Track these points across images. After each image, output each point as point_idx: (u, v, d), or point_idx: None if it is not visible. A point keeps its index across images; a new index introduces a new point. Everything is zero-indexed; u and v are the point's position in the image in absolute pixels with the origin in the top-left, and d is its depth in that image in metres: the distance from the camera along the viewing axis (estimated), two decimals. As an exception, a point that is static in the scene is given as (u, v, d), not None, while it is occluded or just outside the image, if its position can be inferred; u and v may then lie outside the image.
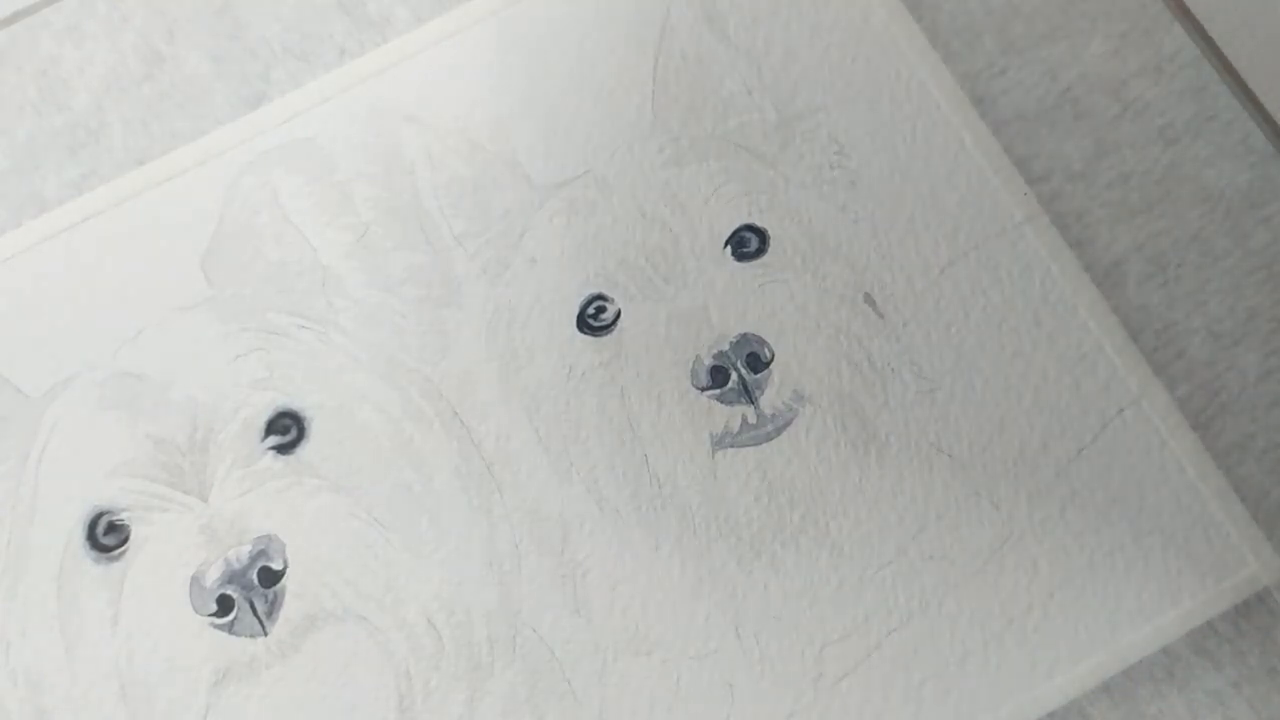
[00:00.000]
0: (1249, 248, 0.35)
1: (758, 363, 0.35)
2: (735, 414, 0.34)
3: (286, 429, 0.35)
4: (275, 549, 0.34)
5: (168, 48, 0.38)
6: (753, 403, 0.34)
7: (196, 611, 0.33)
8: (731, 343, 0.35)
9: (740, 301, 0.35)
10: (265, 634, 0.33)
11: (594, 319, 0.35)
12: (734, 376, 0.35)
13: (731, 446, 0.34)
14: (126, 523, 0.34)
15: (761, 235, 0.36)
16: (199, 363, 0.35)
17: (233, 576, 0.33)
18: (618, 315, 0.35)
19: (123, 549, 0.34)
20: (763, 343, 0.35)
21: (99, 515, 0.34)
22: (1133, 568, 0.33)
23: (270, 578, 0.33)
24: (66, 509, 0.34)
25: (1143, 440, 0.34)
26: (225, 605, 0.33)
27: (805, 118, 0.37)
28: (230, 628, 0.33)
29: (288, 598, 0.33)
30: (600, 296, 0.35)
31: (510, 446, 0.34)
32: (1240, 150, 0.36)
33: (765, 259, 0.36)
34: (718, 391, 0.34)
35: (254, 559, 0.33)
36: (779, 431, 0.34)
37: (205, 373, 0.35)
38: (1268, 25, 0.35)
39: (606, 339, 0.35)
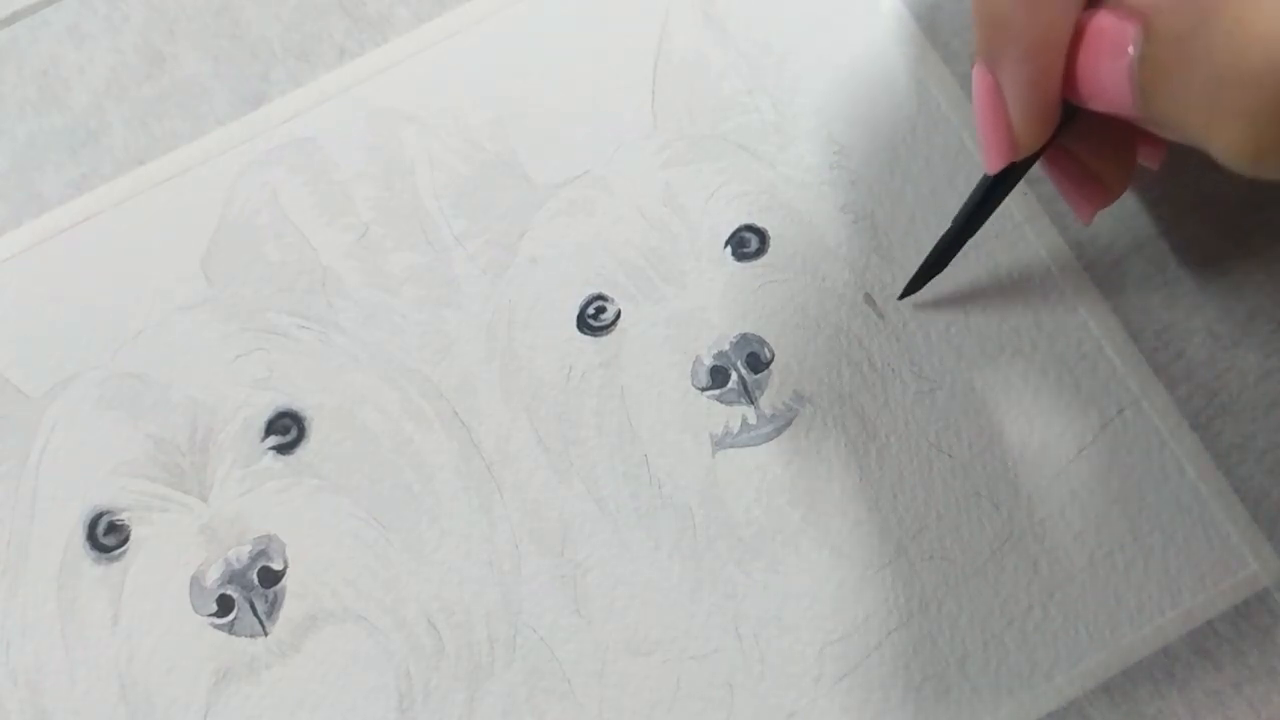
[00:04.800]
0: (1249, 248, 0.35)
1: (758, 363, 0.35)
2: (735, 414, 0.34)
3: (286, 429, 0.35)
4: (275, 549, 0.34)
5: (168, 48, 0.38)
6: (753, 403, 0.34)
7: (196, 611, 0.33)
8: (731, 343, 0.35)
9: (740, 301, 0.35)
10: (265, 634, 0.33)
11: (594, 319, 0.35)
12: (734, 376, 0.35)
13: (731, 446, 0.34)
14: (126, 523, 0.34)
15: (761, 235, 0.36)
16: (199, 363, 0.35)
17: (233, 576, 0.33)
18: (618, 315, 0.35)
19: (123, 549, 0.34)
20: (763, 343, 0.35)
21: (99, 515, 0.34)
22: (1133, 568, 0.33)
23: (270, 578, 0.33)
24: (66, 509, 0.34)
25: (1143, 440, 0.34)
26: (225, 605, 0.33)
27: (805, 118, 0.37)
28: (230, 628, 0.33)
29: (288, 598, 0.33)
30: (600, 296, 0.35)
31: (510, 446, 0.34)
32: (1240, 150, 0.36)
33: (765, 259, 0.36)
34: (718, 391, 0.35)
35: (254, 559, 0.33)
36: (779, 431, 0.34)
37: (205, 373, 0.35)
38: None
39: (606, 339, 0.35)
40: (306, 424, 0.35)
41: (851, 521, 0.34)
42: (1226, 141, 0.24)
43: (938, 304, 0.35)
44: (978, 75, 0.28)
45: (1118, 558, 0.33)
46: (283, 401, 0.35)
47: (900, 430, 0.34)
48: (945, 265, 0.34)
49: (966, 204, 0.32)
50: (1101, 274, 0.35)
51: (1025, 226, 0.35)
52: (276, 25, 0.38)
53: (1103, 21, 0.26)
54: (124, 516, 0.34)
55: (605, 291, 0.35)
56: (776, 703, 0.33)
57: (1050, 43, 0.26)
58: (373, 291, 0.36)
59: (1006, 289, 0.35)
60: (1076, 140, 0.30)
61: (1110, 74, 0.26)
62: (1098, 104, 0.27)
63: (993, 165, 0.29)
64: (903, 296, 0.35)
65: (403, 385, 0.35)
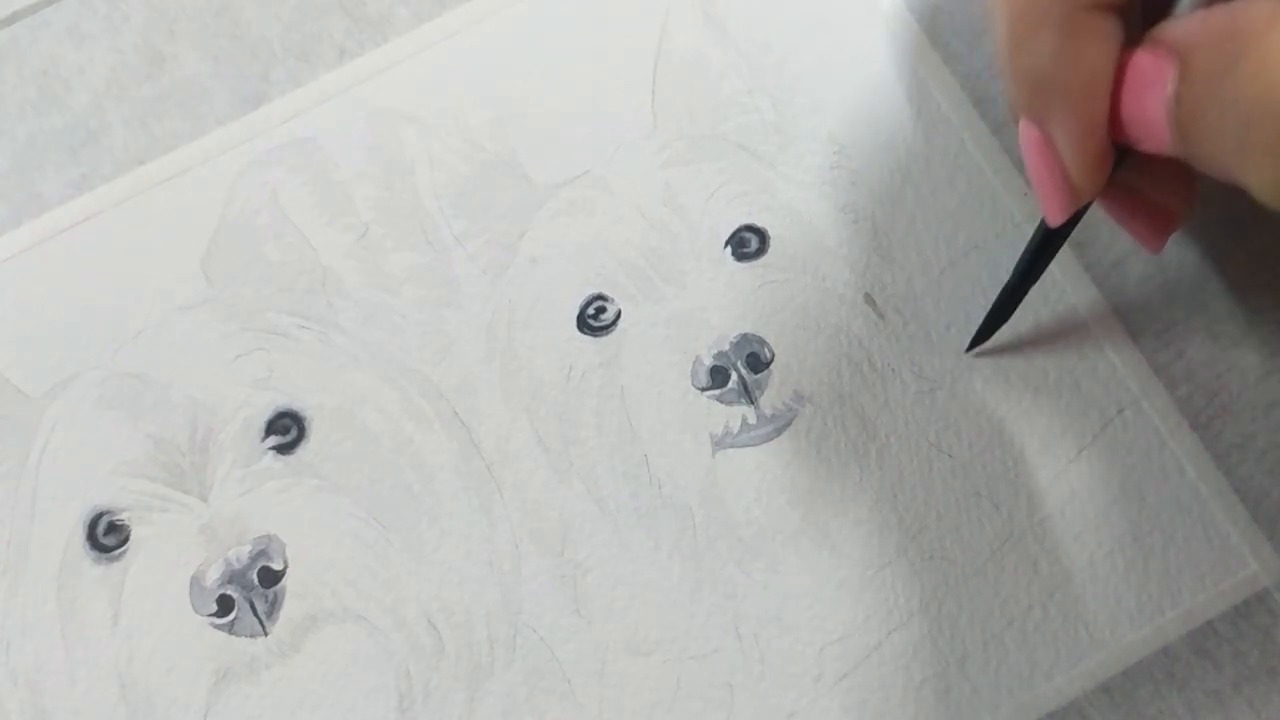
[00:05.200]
0: (1250, 248, 0.35)
1: (758, 363, 0.35)
2: (735, 414, 0.34)
3: (286, 429, 0.35)
4: (275, 549, 0.34)
5: (168, 48, 0.38)
6: (753, 403, 0.34)
7: (196, 611, 0.33)
8: (731, 343, 0.35)
9: (740, 301, 0.35)
10: (265, 634, 0.33)
11: (594, 319, 0.35)
12: (734, 376, 0.35)
13: (731, 446, 0.34)
14: (126, 523, 0.34)
15: (761, 235, 0.36)
16: (199, 363, 0.35)
17: (233, 576, 0.33)
18: (618, 315, 0.35)
19: (123, 549, 0.34)
20: (763, 343, 0.35)
21: (99, 515, 0.34)
22: (1133, 568, 0.33)
23: (270, 578, 0.33)
24: (66, 509, 0.34)
25: (1143, 440, 0.34)
26: (225, 605, 0.33)
27: (805, 117, 0.37)
28: (230, 628, 0.33)
29: (288, 598, 0.33)
30: (600, 296, 0.35)
31: (510, 446, 0.34)
32: (1240, 150, 0.36)
33: (765, 259, 0.36)
34: (718, 391, 0.35)
35: (254, 559, 0.33)
36: (779, 431, 0.34)
37: (205, 373, 0.35)
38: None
39: (606, 339, 0.35)
40: (306, 424, 0.35)
41: (851, 521, 0.34)
42: (1260, 180, 0.24)
43: (938, 304, 0.35)
44: (1025, 131, 0.28)
45: (1118, 558, 0.33)
46: (283, 401, 0.35)
47: (900, 430, 0.34)
48: (1010, 315, 0.34)
49: (1026, 253, 0.32)
50: (1102, 274, 0.35)
51: (1025, 226, 0.35)
52: (276, 25, 0.38)
53: (1140, 61, 0.26)
54: (124, 516, 0.34)
55: (605, 291, 0.35)
56: (776, 703, 0.33)
57: (1094, 91, 0.26)
58: (373, 291, 0.36)
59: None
60: (1134, 174, 0.30)
61: (1153, 114, 0.25)
62: (1145, 144, 0.26)
63: (1055, 218, 0.29)
64: (970, 349, 0.34)
65: (403, 385, 0.35)
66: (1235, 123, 0.24)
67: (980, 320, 0.34)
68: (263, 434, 0.34)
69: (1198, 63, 0.24)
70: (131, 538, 0.34)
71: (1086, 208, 0.30)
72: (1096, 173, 0.28)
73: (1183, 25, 0.25)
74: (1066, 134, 0.27)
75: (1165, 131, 0.25)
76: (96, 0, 0.38)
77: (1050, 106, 0.27)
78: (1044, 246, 0.32)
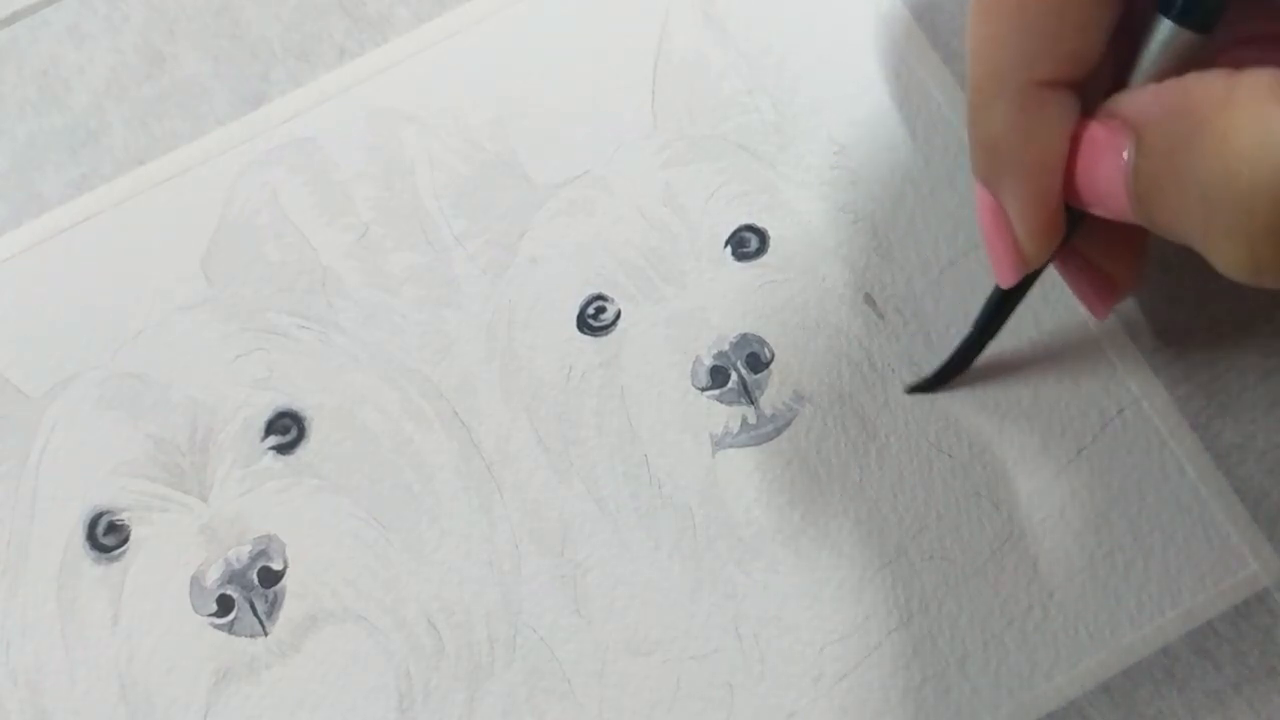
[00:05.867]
0: (1249, 248, 0.35)
1: (758, 363, 0.35)
2: (735, 414, 0.34)
3: (286, 429, 0.35)
4: (275, 549, 0.34)
5: (168, 48, 0.38)
6: (753, 403, 0.34)
7: (196, 611, 0.33)
8: (731, 343, 0.35)
9: (740, 301, 0.35)
10: (265, 634, 0.33)
11: (594, 319, 0.35)
12: (734, 376, 0.35)
13: (731, 446, 0.34)
14: (126, 523, 0.34)
15: (761, 235, 0.36)
16: (199, 363, 0.35)
17: (233, 576, 0.33)
18: (618, 315, 0.35)
19: (123, 549, 0.34)
20: (763, 343, 0.35)
21: (99, 515, 0.34)
22: (1133, 568, 0.33)
23: (270, 578, 0.33)
24: (66, 509, 0.34)
25: (1143, 440, 0.34)
26: (225, 605, 0.33)
27: (805, 118, 0.37)
28: (230, 628, 0.33)
29: (288, 598, 0.33)
30: (600, 296, 0.35)
31: (510, 446, 0.34)
32: (1240, 150, 0.36)
33: (765, 259, 0.36)
34: (718, 391, 0.35)
35: (254, 559, 0.33)
36: (779, 431, 0.34)
37: (205, 373, 0.35)
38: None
39: (606, 339, 0.35)
40: (306, 424, 0.35)
41: (851, 521, 0.34)
42: (1223, 257, 0.24)
43: (938, 304, 0.35)
44: (979, 195, 0.29)
45: (1118, 558, 0.33)
46: (283, 401, 0.35)
47: (900, 430, 0.34)
48: (965, 370, 0.34)
49: (983, 311, 0.32)
50: (1101, 274, 0.35)
51: (1025, 226, 0.35)
52: (276, 25, 0.38)
53: (1095, 133, 0.26)
54: (124, 516, 0.34)
55: (605, 291, 0.35)
56: (776, 703, 0.33)
57: (1046, 163, 0.27)
58: (373, 291, 0.36)
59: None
60: (1085, 241, 0.30)
61: (1107, 184, 0.26)
62: (1099, 210, 0.27)
63: (1005, 281, 0.30)
64: (912, 391, 0.34)
65: (403, 385, 0.35)
66: (1196, 201, 0.24)
67: (976, 321, 0.34)
68: (263, 434, 0.34)
69: (1153, 138, 0.24)
70: (131, 538, 0.34)
71: (1041, 271, 0.30)
72: (1045, 241, 0.28)
73: (1137, 99, 0.25)
74: (1017, 203, 0.28)
75: (1122, 200, 0.26)
76: (96, 0, 0.38)
77: (1002, 176, 0.27)
78: (1000, 306, 0.32)
